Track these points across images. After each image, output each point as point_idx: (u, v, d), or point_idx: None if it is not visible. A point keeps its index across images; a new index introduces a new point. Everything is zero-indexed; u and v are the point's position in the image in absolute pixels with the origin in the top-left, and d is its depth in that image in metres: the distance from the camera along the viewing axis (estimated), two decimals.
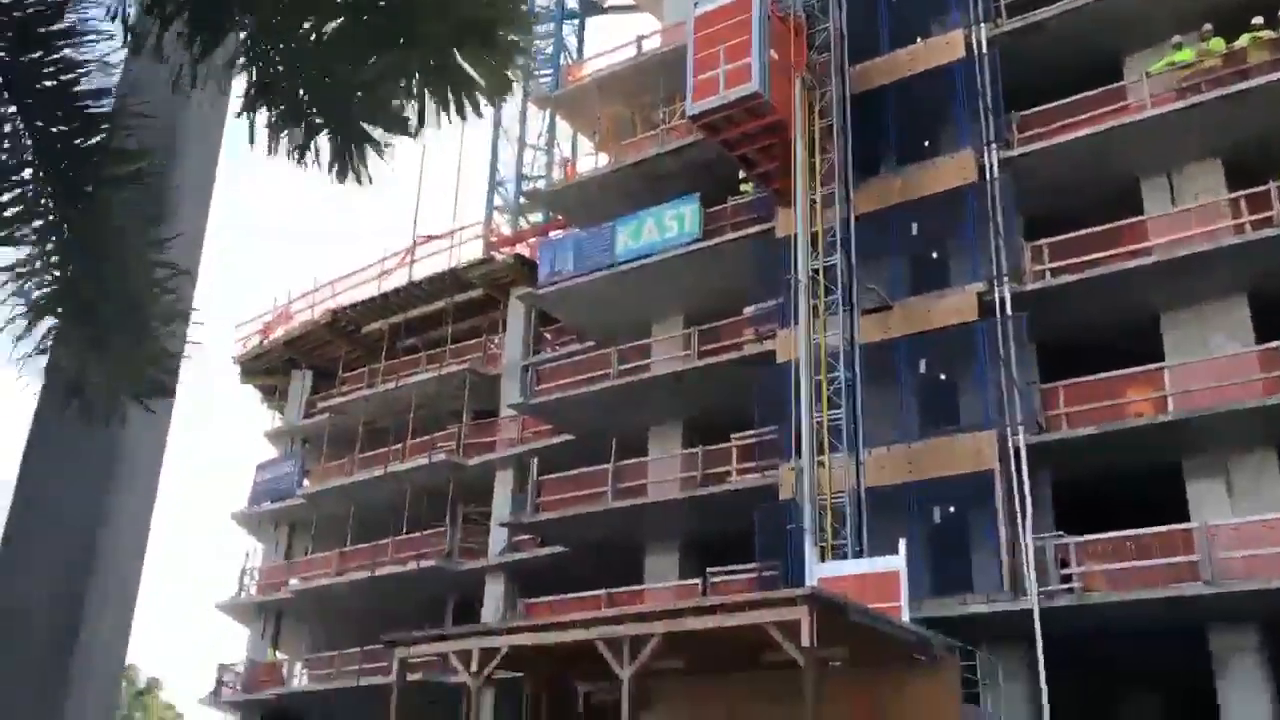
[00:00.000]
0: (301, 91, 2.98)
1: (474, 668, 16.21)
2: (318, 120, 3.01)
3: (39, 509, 3.36)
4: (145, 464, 3.69)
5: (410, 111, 2.98)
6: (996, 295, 19.97)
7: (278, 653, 35.09)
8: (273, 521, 37.02)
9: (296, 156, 3.04)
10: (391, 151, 3.09)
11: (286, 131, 3.01)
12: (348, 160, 3.07)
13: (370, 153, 3.06)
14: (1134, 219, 20.44)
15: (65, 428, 3.48)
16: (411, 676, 19.96)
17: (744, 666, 16.03)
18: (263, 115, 3.02)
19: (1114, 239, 20.11)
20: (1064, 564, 18.43)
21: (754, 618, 13.42)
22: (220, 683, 34.88)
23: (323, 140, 3.06)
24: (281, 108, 3.00)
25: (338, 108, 2.98)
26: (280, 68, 2.95)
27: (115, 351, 3.15)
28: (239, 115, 3.07)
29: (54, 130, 2.89)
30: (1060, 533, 18.75)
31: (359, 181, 3.12)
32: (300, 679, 34.11)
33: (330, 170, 3.08)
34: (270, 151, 3.04)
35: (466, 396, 31.34)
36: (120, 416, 3.32)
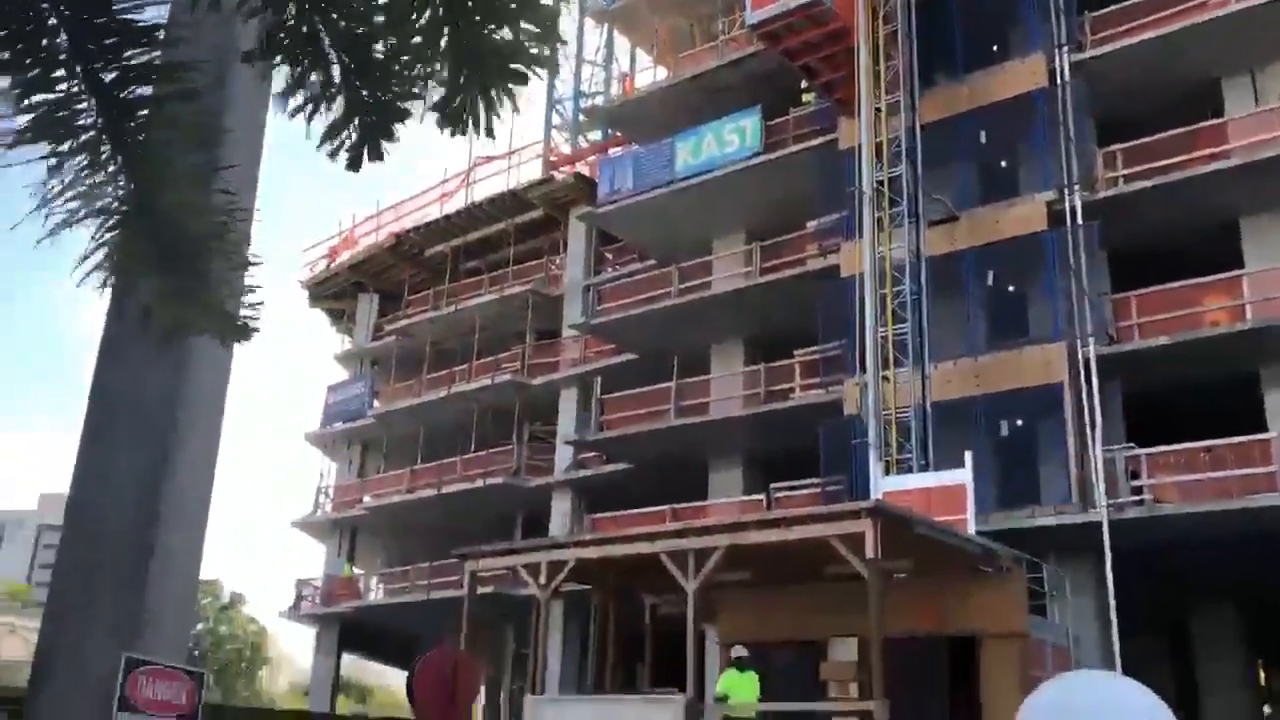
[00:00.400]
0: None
1: (542, 580, 16.54)
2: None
3: (115, 416, 3.46)
4: (212, 379, 3.77)
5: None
6: (1067, 204, 19.45)
7: (353, 568, 36.15)
8: (345, 441, 37.89)
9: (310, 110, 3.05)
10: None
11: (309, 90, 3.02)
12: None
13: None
14: (1213, 121, 19.69)
15: (136, 343, 3.58)
16: (482, 590, 20.47)
17: (808, 579, 16.15)
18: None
19: (1190, 142, 19.42)
20: (1134, 476, 18.19)
21: (817, 531, 13.48)
22: (299, 597, 36.11)
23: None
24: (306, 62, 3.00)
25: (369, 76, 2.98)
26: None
27: (180, 280, 3.20)
28: (246, 60, 3.07)
29: (101, 43, 2.90)
30: (1131, 445, 18.47)
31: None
32: (376, 593, 35.20)
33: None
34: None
35: (529, 317, 31.53)
36: (180, 340, 3.39)
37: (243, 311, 3.34)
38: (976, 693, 14.64)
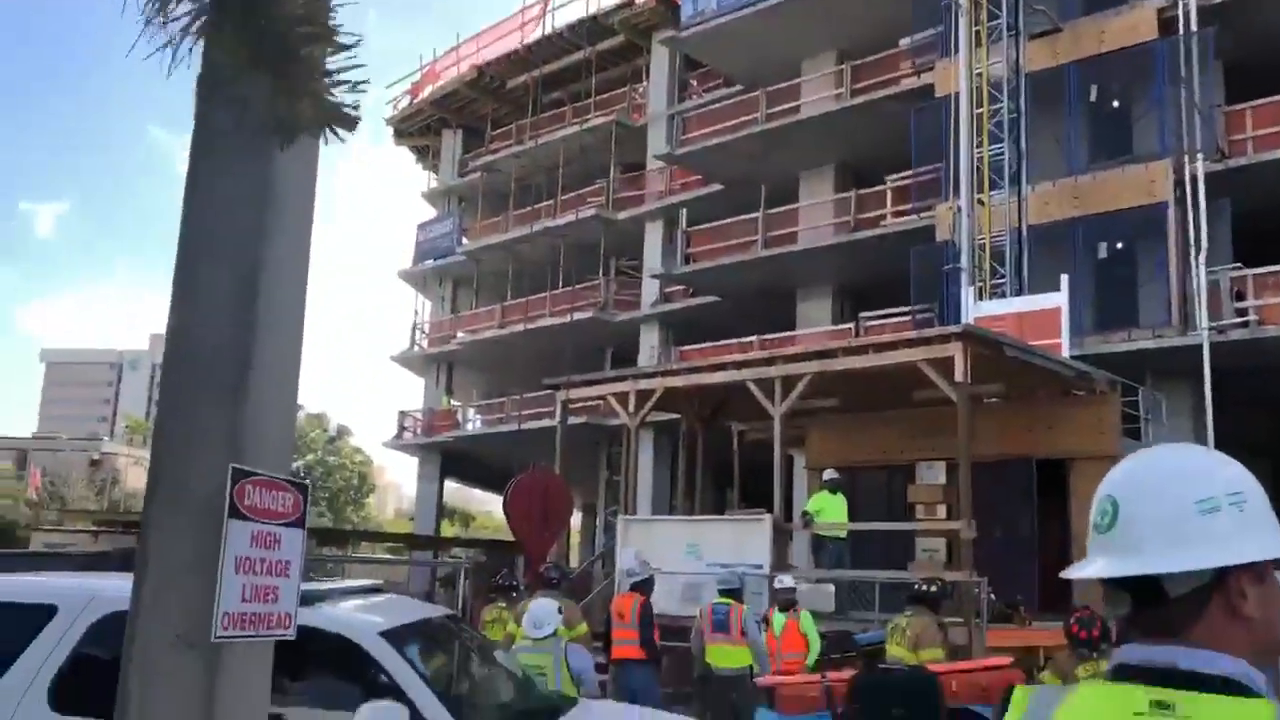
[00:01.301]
0: None
1: (631, 409, 16.88)
2: None
3: (204, 234, 3.54)
4: (298, 196, 3.80)
5: None
6: (1180, 9, 18.21)
7: (451, 400, 37.32)
8: (437, 278, 38.54)
9: None
10: None
11: None
12: None
13: None
14: None
15: (223, 156, 3.62)
16: (574, 419, 21.00)
17: (897, 405, 16.20)
18: None
19: None
20: (1239, 297, 17.58)
21: (906, 356, 13.41)
22: (402, 428, 37.54)
23: None
24: None
25: None
26: None
27: (282, 69, 3.17)
28: None
29: None
30: (1238, 265, 17.78)
31: None
32: (473, 423, 36.37)
33: None
34: None
35: (613, 150, 31.15)
36: (286, 138, 3.39)
37: (345, 98, 3.30)
38: (1066, 515, 14.72)
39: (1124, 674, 1.38)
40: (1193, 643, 1.35)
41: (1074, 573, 1.46)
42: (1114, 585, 1.41)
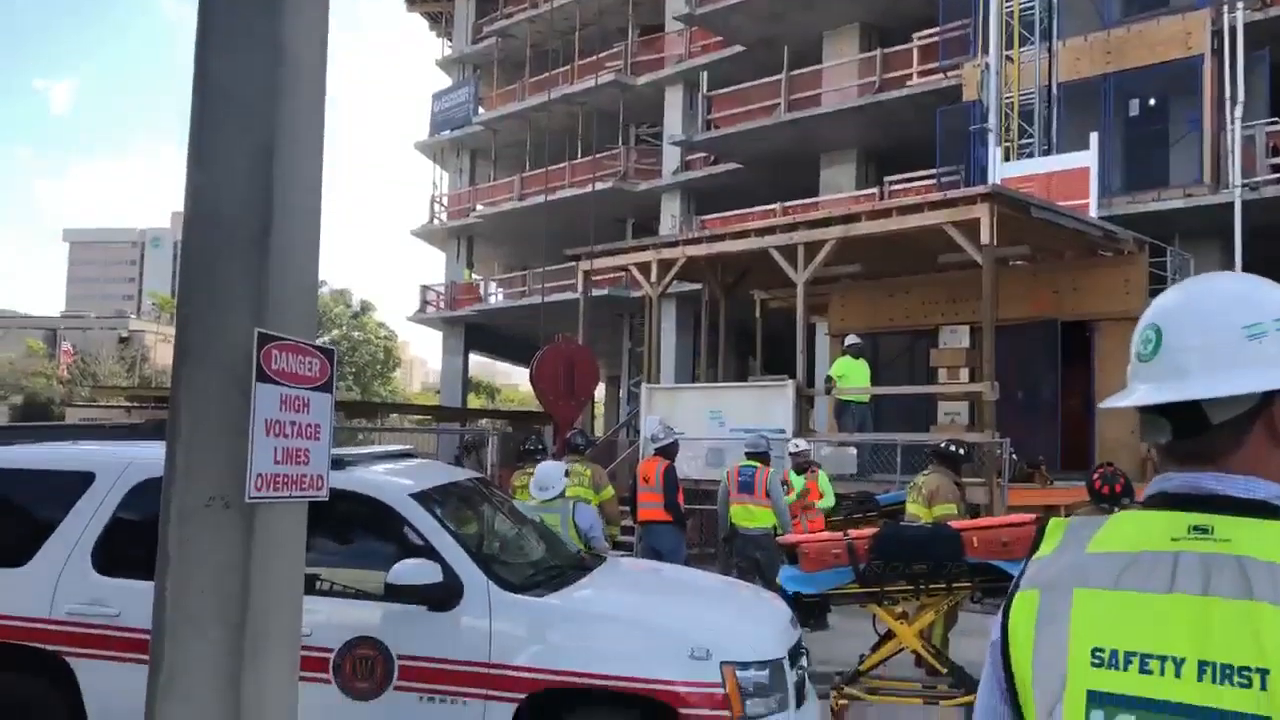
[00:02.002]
0: None
1: (653, 279, 16.82)
2: None
3: (217, 97, 3.48)
4: (310, 52, 3.72)
5: None
6: None
7: (472, 274, 37.30)
8: (454, 150, 38.07)
9: None
10: None
11: None
12: None
13: None
14: None
15: (232, 12, 3.53)
16: (597, 292, 20.98)
17: (921, 270, 16.07)
18: None
19: None
20: (1275, 152, 17.13)
21: (931, 218, 13.23)
22: (425, 302, 37.65)
23: None
24: None
25: None
26: None
27: None
28: None
29: None
30: (1275, 119, 17.28)
31: None
32: (496, 296, 36.43)
33: None
34: None
35: (630, 10, 30.28)
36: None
37: None
38: (1089, 377, 14.71)
39: (1161, 501, 1.37)
40: (1233, 469, 1.33)
41: (1115, 402, 1.43)
42: (1155, 413, 1.38)
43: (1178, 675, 1.24)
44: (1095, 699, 1.28)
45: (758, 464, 9.96)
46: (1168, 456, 1.39)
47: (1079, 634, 1.31)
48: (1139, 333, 1.41)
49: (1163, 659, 1.25)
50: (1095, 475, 7.45)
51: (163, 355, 67.08)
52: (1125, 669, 1.27)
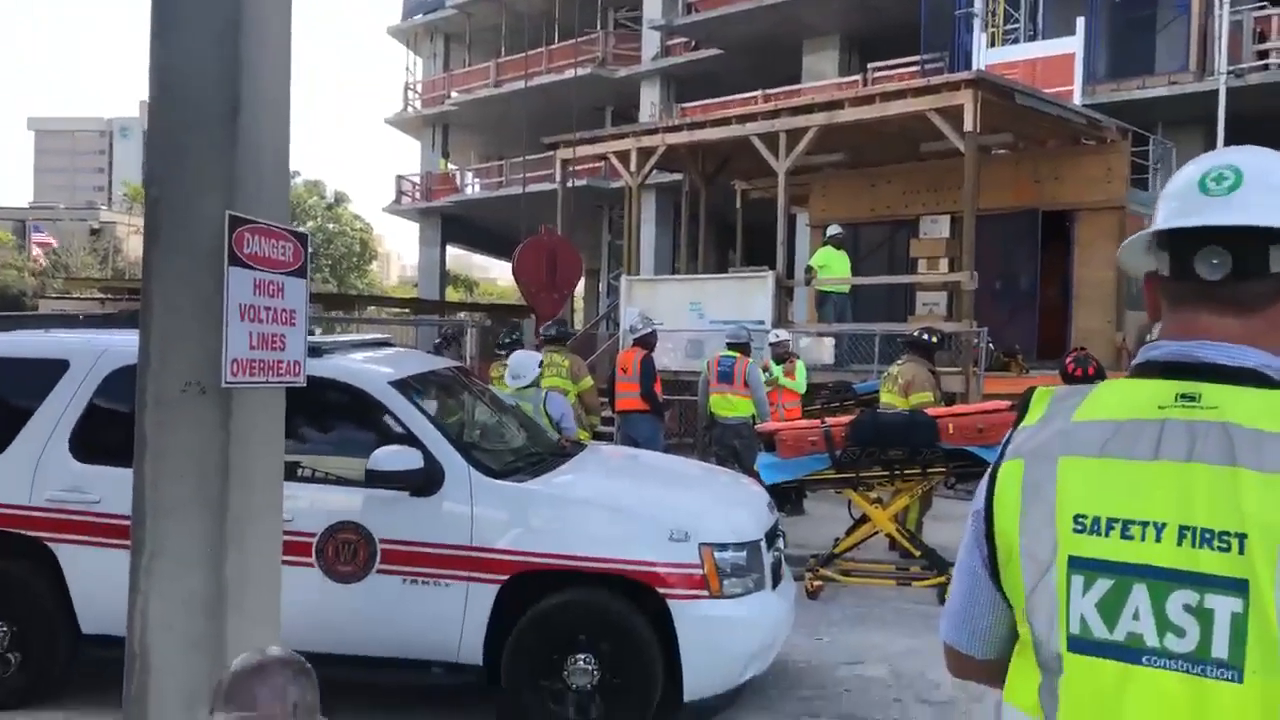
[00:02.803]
0: None
1: (633, 168, 16.60)
2: None
3: None
4: None
5: None
6: None
7: (449, 164, 36.72)
8: (428, 34, 37.06)
9: None
10: None
11: None
12: None
13: None
14: None
15: None
16: (576, 183, 20.72)
17: (903, 159, 15.92)
18: None
19: None
20: (1262, 37, 16.89)
21: (915, 105, 13.03)
22: (400, 192, 37.13)
23: None
24: None
25: None
26: None
27: None
28: None
29: None
30: (1263, 3, 17.00)
31: None
32: (472, 187, 35.94)
33: None
34: None
35: None
36: None
37: None
38: (1068, 266, 14.73)
39: (1149, 370, 1.37)
40: (1256, 326, 1.33)
41: (1184, 220, 1.37)
42: (1217, 244, 1.33)
43: (1158, 540, 1.25)
44: (1076, 564, 1.29)
45: (737, 355, 10.01)
46: (1197, 299, 1.36)
47: (1064, 502, 1.31)
48: (1209, 169, 1.37)
49: (1144, 524, 1.26)
50: (1068, 359, 7.55)
51: (135, 247, 66.17)
52: (1107, 535, 1.28)
